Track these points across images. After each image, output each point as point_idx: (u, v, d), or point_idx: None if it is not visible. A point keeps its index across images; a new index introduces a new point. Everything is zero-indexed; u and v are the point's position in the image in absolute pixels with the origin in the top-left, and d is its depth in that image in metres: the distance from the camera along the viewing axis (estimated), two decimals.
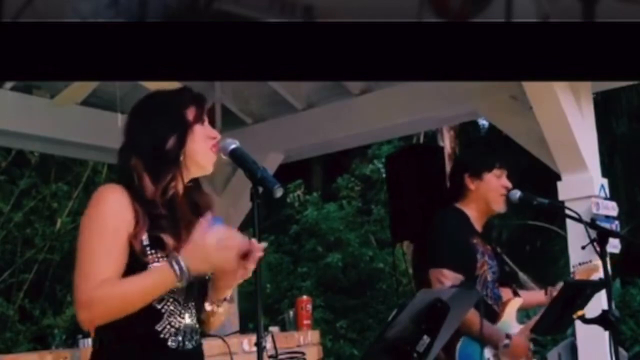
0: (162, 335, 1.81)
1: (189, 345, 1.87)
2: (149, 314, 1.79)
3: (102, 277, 1.70)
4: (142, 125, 1.90)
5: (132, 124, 1.92)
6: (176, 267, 1.67)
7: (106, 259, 1.73)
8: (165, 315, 1.82)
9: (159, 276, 1.71)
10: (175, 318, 1.84)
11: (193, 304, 1.90)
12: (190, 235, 1.74)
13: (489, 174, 3.22)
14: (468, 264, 3.12)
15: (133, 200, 1.80)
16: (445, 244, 3.17)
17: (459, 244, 3.14)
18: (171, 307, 1.83)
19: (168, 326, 1.83)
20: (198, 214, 1.86)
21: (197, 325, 1.92)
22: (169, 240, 1.81)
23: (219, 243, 1.68)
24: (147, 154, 1.85)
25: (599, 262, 2.87)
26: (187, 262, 1.68)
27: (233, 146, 1.87)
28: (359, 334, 9.19)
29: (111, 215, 1.77)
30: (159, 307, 1.81)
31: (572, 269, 3.19)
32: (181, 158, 1.85)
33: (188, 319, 1.87)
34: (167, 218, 1.82)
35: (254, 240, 1.75)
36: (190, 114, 1.89)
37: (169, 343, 1.82)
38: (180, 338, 1.84)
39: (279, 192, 1.76)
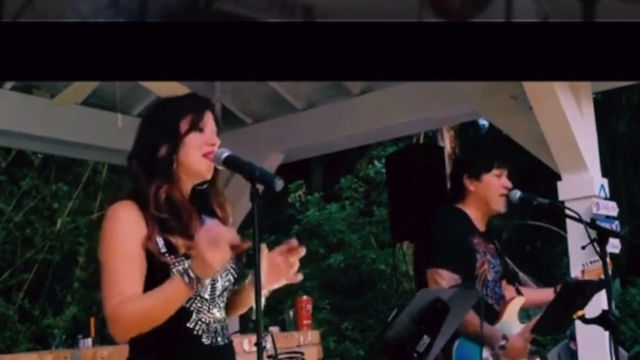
0: (195, 332, 1.89)
1: (221, 342, 1.94)
2: (179, 313, 1.85)
3: (126, 292, 1.79)
4: (141, 134, 1.99)
5: (137, 133, 2.01)
6: (186, 278, 1.74)
7: (127, 275, 1.81)
8: (194, 313, 1.89)
9: (172, 288, 1.77)
10: (205, 314, 1.91)
11: (220, 297, 1.96)
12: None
13: (488, 175, 3.22)
14: (466, 264, 3.11)
15: (142, 209, 1.88)
16: (443, 244, 3.16)
17: (457, 244, 3.14)
18: (199, 304, 1.90)
19: (199, 322, 1.90)
20: (211, 214, 1.99)
21: (227, 320, 2.00)
22: (178, 241, 1.87)
23: (210, 244, 1.71)
24: (143, 163, 1.94)
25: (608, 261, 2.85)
26: (194, 269, 1.74)
27: (225, 154, 1.90)
28: (360, 333, 9.19)
29: (125, 234, 1.85)
30: (187, 305, 1.87)
31: (582, 267, 3.17)
32: (174, 166, 1.93)
33: (217, 314, 1.95)
34: (173, 220, 1.88)
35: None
36: (185, 124, 1.95)
37: (203, 339, 1.90)
38: (213, 334, 1.92)
39: (279, 185, 1.78)
